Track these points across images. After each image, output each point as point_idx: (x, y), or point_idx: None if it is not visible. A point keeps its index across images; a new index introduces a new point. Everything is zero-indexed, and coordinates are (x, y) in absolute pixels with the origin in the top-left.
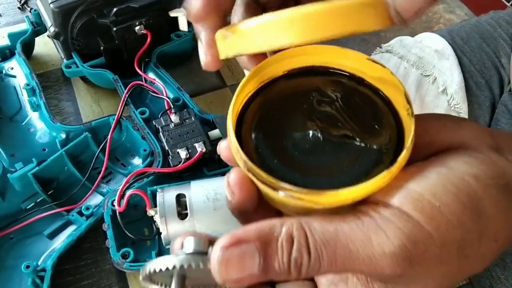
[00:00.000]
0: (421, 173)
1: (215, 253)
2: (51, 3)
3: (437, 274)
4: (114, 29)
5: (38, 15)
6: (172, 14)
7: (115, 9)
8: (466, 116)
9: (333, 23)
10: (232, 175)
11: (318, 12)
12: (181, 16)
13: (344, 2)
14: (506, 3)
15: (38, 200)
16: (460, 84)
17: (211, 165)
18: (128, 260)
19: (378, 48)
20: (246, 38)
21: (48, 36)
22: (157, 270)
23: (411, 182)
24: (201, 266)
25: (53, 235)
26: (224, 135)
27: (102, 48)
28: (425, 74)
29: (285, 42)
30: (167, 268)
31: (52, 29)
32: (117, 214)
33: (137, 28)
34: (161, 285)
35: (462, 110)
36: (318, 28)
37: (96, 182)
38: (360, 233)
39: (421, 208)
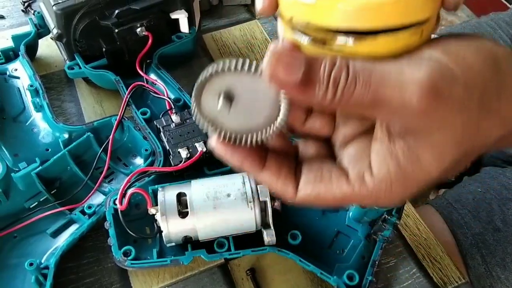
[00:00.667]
0: (444, 41)
1: (270, 49)
2: (53, 5)
3: (458, 122)
4: (116, 30)
5: (41, 17)
6: (173, 16)
7: (116, 11)
8: None
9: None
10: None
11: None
12: (182, 18)
13: None
14: (508, 4)
15: (41, 199)
16: None
17: (211, 165)
18: (129, 258)
19: None
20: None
21: (51, 38)
22: (213, 72)
23: (437, 44)
24: (253, 69)
25: (56, 233)
26: None
27: (104, 49)
28: None
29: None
30: (222, 69)
31: (55, 31)
32: (119, 212)
33: (138, 29)
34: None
35: None
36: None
37: (99, 182)
38: (394, 66)
39: (448, 54)
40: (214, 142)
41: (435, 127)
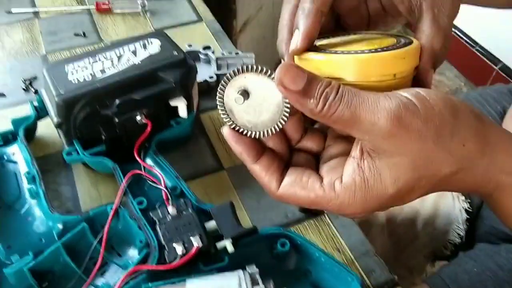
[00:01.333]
0: (419, 88)
1: (282, 63)
2: (55, 96)
3: (414, 149)
4: (116, 120)
5: (41, 100)
6: (173, 103)
7: (117, 101)
8: (460, 193)
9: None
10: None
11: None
12: (181, 105)
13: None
14: (494, 66)
15: None
16: None
17: (207, 260)
18: None
19: None
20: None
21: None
22: (238, 70)
23: (413, 89)
24: (267, 72)
25: None
26: (220, 227)
27: (103, 137)
28: None
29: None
30: (240, 69)
31: (55, 119)
32: None
33: (138, 118)
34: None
35: None
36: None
37: (92, 275)
38: (373, 95)
39: (417, 95)
40: (225, 129)
41: (396, 151)
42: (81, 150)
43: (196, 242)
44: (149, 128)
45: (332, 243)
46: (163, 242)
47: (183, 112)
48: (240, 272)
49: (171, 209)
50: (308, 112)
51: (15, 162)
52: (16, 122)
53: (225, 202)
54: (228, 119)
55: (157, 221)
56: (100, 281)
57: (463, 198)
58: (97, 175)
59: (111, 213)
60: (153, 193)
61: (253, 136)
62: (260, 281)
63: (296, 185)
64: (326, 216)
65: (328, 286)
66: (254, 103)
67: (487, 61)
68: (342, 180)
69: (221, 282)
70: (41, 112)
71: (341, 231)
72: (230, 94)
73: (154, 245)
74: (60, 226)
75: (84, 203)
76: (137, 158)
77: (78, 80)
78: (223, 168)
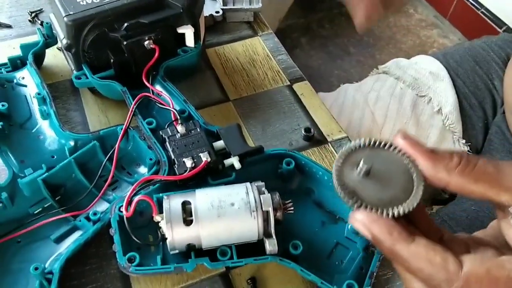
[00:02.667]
0: None
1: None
2: (64, 16)
3: None
4: (124, 43)
5: (49, 27)
6: (180, 30)
7: (126, 24)
8: (461, 136)
9: None
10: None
11: None
12: (188, 32)
13: None
14: (498, 29)
15: (45, 206)
16: (455, 105)
17: (215, 175)
18: (134, 264)
19: (374, 69)
20: None
21: (58, 49)
22: (352, 147)
23: None
24: (387, 146)
25: (59, 239)
26: (228, 145)
27: (112, 60)
28: (421, 94)
29: None
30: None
31: (64, 41)
32: (125, 219)
33: (146, 42)
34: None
35: (456, 129)
36: None
37: (103, 190)
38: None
39: None
40: (356, 213)
41: None
42: (90, 74)
43: (205, 157)
44: (157, 54)
45: None
46: (173, 157)
47: (190, 40)
48: (248, 183)
49: (180, 128)
50: (444, 170)
51: (25, 86)
52: (24, 47)
53: (231, 124)
54: (356, 202)
55: (166, 138)
56: (111, 196)
57: (463, 141)
58: (105, 102)
59: (121, 132)
60: (161, 116)
61: (393, 215)
62: (266, 191)
63: (487, 261)
64: (329, 145)
65: (330, 204)
66: (379, 178)
67: (492, 24)
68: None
69: (229, 191)
70: (49, 39)
71: None
72: (347, 174)
73: (164, 160)
74: (71, 143)
75: (94, 128)
76: (145, 83)
77: (87, 2)
78: (229, 100)
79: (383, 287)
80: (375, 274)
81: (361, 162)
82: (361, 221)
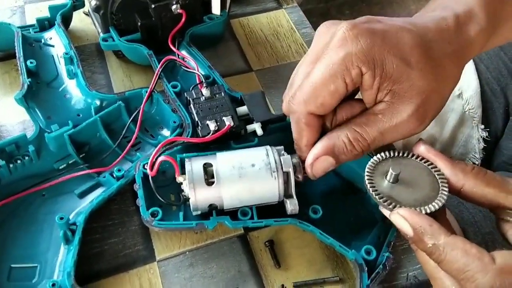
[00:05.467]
0: None
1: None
2: None
3: None
4: (152, 6)
5: None
6: None
7: None
8: (480, 121)
9: None
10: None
11: None
12: (214, 0)
13: None
14: None
15: (70, 162)
16: (476, 90)
17: (237, 139)
18: (157, 218)
19: None
20: None
21: (84, 13)
22: (380, 158)
23: None
24: (410, 155)
25: (83, 194)
26: (251, 111)
27: (139, 24)
28: None
29: None
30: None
31: (93, 2)
32: (149, 177)
33: (173, 7)
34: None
35: (476, 115)
36: None
37: (127, 149)
38: None
39: None
40: (398, 210)
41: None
42: (117, 36)
43: (228, 121)
44: (183, 18)
45: None
46: (196, 119)
47: (216, 8)
48: (267, 146)
49: (205, 91)
50: (460, 172)
51: (52, 46)
52: (53, 9)
53: (256, 90)
54: (390, 204)
55: (191, 100)
56: (134, 156)
57: (482, 126)
58: (130, 67)
59: (146, 95)
60: (186, 80)
61: (427, 212)
62: (285, 153)
63: None
64: None
65: (349, 173)
66: (407, 182)
67: None
68: None
69: (249, 152)
70: (76, 2)
71: None
72: (378, 182)
73: (188, 122)
74: (97, 102)
75: (118, 90)
76: (171, 47)
77: None
78: (252, 70)
79: (399, 257)
80: (392, 243)
81: (390, 171)
82: (403, 215)
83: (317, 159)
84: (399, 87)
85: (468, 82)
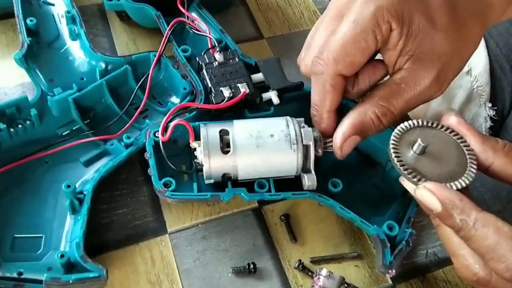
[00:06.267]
0: None
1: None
2: None
3: None
4: None
5: None
6: None
7: None
8: (488, 99)
9: None
10: None
11: None
12: None
13: None
14: None
15: (74, 128)
16: (485, 67)
17: (252, 108)
18: (170, 189)
19: None
20: None
21: None
22: (405, 127)
23: None
24: (437, 125)
25: (89, 163)
26: (267, 78)
27: None
28: None
29: None
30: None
31: None
32: (161, 144)
33: None
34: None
35: (484, 92)
36: None
37: (135, 116)
38: None
39: None
40: (425, 183)
41: None
42: None
43: (243, 88)
44: None
45: None
46: (209, 85)
47: None
48: (288, 117)
49: (218, 56)
50: (490, 150)
51: (52, 4)
52: None
53: (271, 57)
54: (415, 177)
55: (203, 65)
56: (142, 123)
57: (489, 105)
58: (134, 30)
59: (155, 59)
60: (196, 44)
61: (462, 185)
62: (306, 126)
63: None
64: None
65: (368, 146)
66: (434, 155)
67: None
68: None
69: (268, 122)
70: None
71: None
72: (403, 152)
73: (200, 89)
74: (102, 65)
75: (122, 54)
76: (181, 8)
77: None
78: (263, 37)
79: (418, 233)
80: (412, 219)
81: (419, 141)
82: (430, 189)
83: (346, 141)
84: (421, 51)
85: (478, 58)
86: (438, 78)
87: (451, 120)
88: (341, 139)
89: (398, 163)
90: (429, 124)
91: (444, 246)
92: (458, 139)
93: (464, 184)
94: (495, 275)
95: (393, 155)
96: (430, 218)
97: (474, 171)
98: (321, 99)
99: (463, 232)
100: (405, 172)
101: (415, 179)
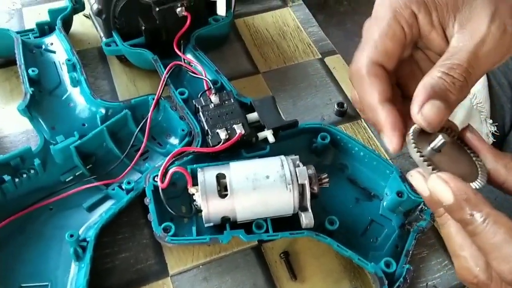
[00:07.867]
0: None
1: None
2: None
3: None
4: (157, 9)
5: None
6: None
7: None
8: (488, 116)
9: None
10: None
11: None
12: (220, 1)
13: None
14: None
15: (77, 174)
16: (484, 83)
17: (248, 148)
18: (169, 234)
19: None
20: None
21: (84, 16)
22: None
23: None
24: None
25: (92, 208)
26: (262, 118)
27: (143, 28)
28: None
29: None
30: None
31: (95, 6)
32: (160, 190)
33: (178, 9)
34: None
35: (484, 109)
36: None
37: (135, 159)
38: None
39: None
40: (435, 179)
41: None
42: (121, 41)
43: (239, 129)
44: (189, 21)
45: (368, 146)
46: (206, 127)
47: (222, 9)
48: (282, 156)
49: (213, 98)
50: (503, 168)
51: (53, 52)
52: (53, 12)
53: (266, 95)
54: (430, 166)
55: (200, 108)
56: (142, 166)
57: (490, 121)
58: (134, 71)
59: (153, 102)
60: (193, 86)
61: (476, 187)
62: (301, 164)
63: None
64: (363, 120)
65: (364, 180)
66: (448, 155)
67: None
68: None
69: (264, 163)
70: (76, 5)
71: (377, 135)
72: (420, 145)
73: (198, 131)
74: (103, 111)
75: (122, 97)
76: (177, 51)
77: None
78: (259, 72)
79: (417, 266)
80: (410, 252)
81: (440, 137)
82: (445, 178)
83: (423, 106)
84: (463, 12)
85: None
86: (494, 20)
87: (466, 135)
88: (418, 104)
89: (415, 149)
90: (448, 131)
91: (446, 246)
92: (471, 153)
93: (477, 187)
94: (495, 279)
95: (411, 141)
96: (435, 216)
97: (486, 177)
98: (369, 91)
99: (472, 226)
100: (421, 158)
101: (430, 167)
